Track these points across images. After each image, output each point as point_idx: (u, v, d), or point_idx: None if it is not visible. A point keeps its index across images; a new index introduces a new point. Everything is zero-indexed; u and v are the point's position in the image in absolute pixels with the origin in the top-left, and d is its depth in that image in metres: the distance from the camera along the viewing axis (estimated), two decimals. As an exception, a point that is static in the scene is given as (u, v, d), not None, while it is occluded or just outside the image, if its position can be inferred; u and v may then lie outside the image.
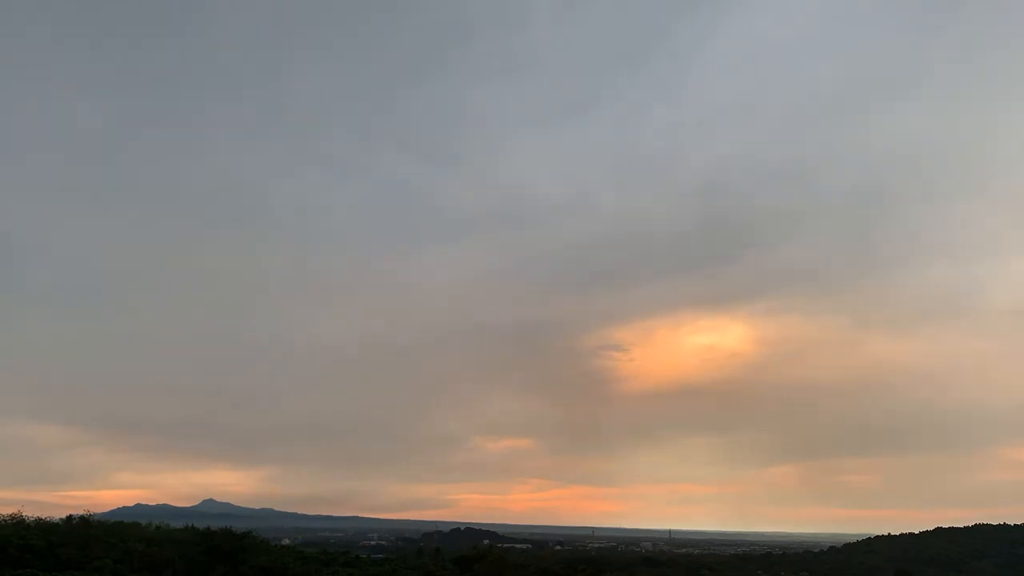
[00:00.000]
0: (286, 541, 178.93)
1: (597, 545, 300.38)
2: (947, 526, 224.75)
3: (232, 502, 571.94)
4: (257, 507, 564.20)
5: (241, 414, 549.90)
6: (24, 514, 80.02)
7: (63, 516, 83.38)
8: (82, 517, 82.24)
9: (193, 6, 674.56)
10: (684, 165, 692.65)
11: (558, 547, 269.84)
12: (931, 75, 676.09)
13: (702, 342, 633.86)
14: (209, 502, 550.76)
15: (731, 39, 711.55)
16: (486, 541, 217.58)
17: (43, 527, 77.48)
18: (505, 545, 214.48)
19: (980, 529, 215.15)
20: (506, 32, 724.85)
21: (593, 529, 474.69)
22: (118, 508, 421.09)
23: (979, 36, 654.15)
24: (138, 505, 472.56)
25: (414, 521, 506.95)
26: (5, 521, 77.32)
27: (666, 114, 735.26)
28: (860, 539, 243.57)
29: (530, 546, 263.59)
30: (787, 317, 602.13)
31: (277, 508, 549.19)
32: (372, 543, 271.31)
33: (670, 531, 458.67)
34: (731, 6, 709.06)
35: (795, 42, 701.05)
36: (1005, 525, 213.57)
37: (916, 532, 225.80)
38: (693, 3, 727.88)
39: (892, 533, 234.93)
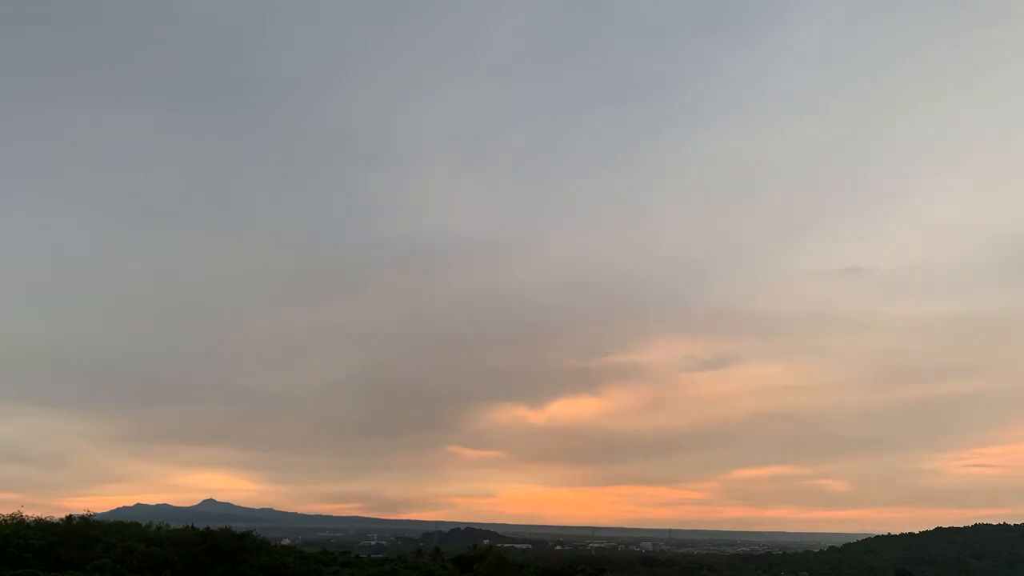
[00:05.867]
0: (286, 541, 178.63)
1: (597, 545, 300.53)
2: (947, 526, 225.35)
3: (232, 502, 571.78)
4: (257, 507, 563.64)
5: (240, 414, 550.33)
6: (24, 514, 79.96)
7: (63, 516, 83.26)
8: (82, 517, 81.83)
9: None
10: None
11: (558, 547, 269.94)
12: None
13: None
14: (209, 502, 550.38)
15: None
16: (486, 541, 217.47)
17: (43, 527, 77.12)
18: (505, 545, 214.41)
19: (980, 529, 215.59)
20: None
21: (593, 529, 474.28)
22: (118, 508, 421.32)
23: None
24: (138, 505, 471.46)
25: (414, 521, 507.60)
26: (5, 521, 76.97)
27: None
28: (860, 539, 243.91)
29: (530, 546, 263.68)
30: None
31: (277, 508, 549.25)
32: (372, 543, 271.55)
33: (670, 531, 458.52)
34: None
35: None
36: (1005, 525, 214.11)
37: (916, 532, 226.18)
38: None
39: (892, 533, 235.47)
